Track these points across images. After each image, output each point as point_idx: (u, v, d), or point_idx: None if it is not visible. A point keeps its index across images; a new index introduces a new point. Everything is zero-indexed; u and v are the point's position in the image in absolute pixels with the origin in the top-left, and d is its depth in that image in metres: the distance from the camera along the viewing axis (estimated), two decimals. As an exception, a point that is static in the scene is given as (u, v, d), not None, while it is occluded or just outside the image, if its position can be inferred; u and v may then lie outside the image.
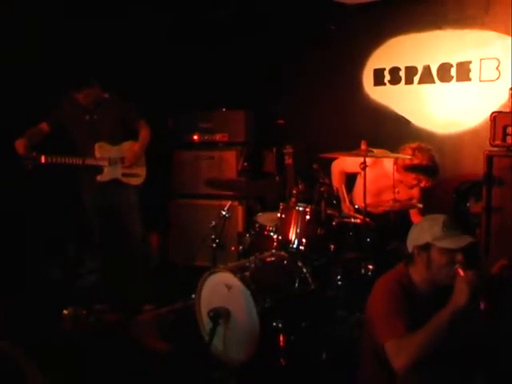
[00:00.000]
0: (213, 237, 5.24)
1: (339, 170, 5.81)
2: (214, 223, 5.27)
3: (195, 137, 7.06)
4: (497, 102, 5.87)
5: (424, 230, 3.21)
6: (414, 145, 5.37)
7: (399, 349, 2.90)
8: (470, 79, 6.10)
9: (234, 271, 4.38)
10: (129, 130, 5.81)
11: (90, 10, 6.14)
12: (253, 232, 5.39)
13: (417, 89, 6.39)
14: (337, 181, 5.78)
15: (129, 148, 5.76)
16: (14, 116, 5.70)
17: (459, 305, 2.84)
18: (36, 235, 6.06)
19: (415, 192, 5.58)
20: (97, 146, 5.63)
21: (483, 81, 6.02)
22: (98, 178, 5.66)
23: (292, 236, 5.00)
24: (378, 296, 3.21)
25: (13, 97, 5.75)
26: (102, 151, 5.65)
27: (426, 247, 3.16)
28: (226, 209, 5.34)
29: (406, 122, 6.51)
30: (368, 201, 4.92)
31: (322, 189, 5.01)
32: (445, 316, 2.86)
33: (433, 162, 5.35)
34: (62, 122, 5.69)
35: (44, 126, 5.64)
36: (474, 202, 5.43)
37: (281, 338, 4.27)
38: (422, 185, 5.41)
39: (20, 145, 5.30)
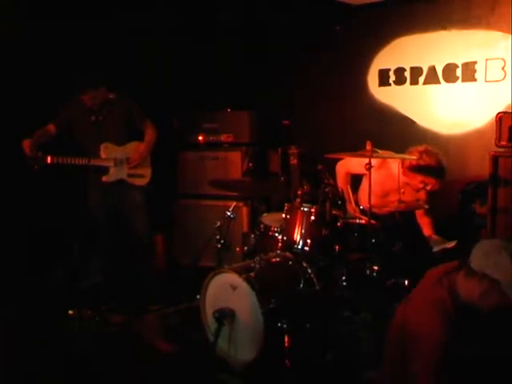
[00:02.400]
0: (218, 237, 5.25)
1: (344, 170, 5.79)
2: (218, 224, 5.28)
3: (200, 137, 7.04)
4: (502, 103, 5.86)
5: (502, 266, 2.92)
6: (421, 148, 5.34)
7: None
8: (475, 80, 6.08)
9: (238, 272, 4.38)
10: (134, 131, 5.83)
11: (95, 11, 6.14)
12: (258, 232, 5.37)
13: (422, 89, 6.38)
14: (342, 182, 5.77)
15: (134, 148, 5.79)
16: (20, 118, 5.70)
17: None
18: (41, 235, 6.05)
19: (421, 194, 5.55)
20: (102, 146, 5.65)
21: (489, 81, 5.99)
22: (104, 178, 5.70)
23: (297, 237, 4.98)
24: (430, 323, 2.99)
25: (20, 99, 5.75)
26: (108, 152, 5.68)
27: (493, 281, 2.92)
28: (230, 209, 5.35)
29: (411, 123, 6.49)
30: (373, 202, 4.91)
31: (327, 189, 5.00)
32: None
33: (440, 165, 5.32)
34: (68, 123, 5.72)
35: (51, 127, 5.67)
36: (480, 203, 5.41)
37: (286, 339, 4.26)
38: (429, 188, 5.38)
39: (27, 145, 5.32)
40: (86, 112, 5.68)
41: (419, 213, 5.71)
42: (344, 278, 4.74)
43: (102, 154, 5.66)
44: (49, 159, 5.38)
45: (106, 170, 5.68)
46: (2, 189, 5.70)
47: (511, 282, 2.88)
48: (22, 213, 5.89)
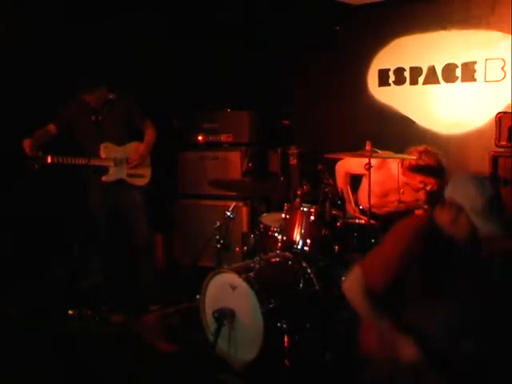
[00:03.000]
0: (217, 237, 5.24)
1: (344, 170, 5.78)
2: (218, 224, 5.27)
3: (200, 137, 7.04)
4: (502, 103, 5.86)
5: (467, 194, 3.18)
6: (420, 148, 5.32)
7: (356, 287, 3.34)
8: (475, 80, 6.06)
9: (238, 272, 4.38)
10: (134, 131, 5.83)
11: (95, 11, 6.15)
12: (257, 232, 5.36)
13: (422, 89, 6.38)
14: (341, 182, 5.76)
15: (134, 149, 5.79)
16: (20, 118, 5.72)
17: (402, 356, 3.14)
18: (40, 235, 6.06)
19: (421, 195, 5.55)
20: (102, 146, 5.65)
21: (488, 81, 5.98)
22: (104, 178, 5.69)
23: (296, 237, 4.98)
24: (391, 234, 3.39)
25: (20, 99, 5.78)
26: (108, 151, 5.67)
27: (460, 208, 3.18)
28: (230, 209, 5.35)
29: (411, 123, 6.49)
30: (373, 202, 4.91)
31: (326, 189, 4.99)
32: (384, 331, 3.25)
33: (440, 165, 5.31)
34: (69, 123, 5.71)
35: (51, 127, 5.67)
36: None
37: (285, 339, 4.26)
38: (428, 188, 5.36)
39: (27, 145, 5.31)
40: (87, 112, 5.67)
41: (419, 213, 5.70)
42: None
43: (102, 154, 5.65)
44: (49, 159, 5.38)
45: (105, 170, 5.68)
46: (1, 188, 5.72)
47: (475, 208, 3.10)
48: (22, 212, 5.89)
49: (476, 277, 3.33)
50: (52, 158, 5.40)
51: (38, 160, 5.34)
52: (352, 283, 3.41)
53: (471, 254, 3.36)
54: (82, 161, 5.56)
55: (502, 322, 3.38)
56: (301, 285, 4.59)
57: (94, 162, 5.61)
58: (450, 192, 3.27)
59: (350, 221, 5.14)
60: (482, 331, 3.26)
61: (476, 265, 3.38)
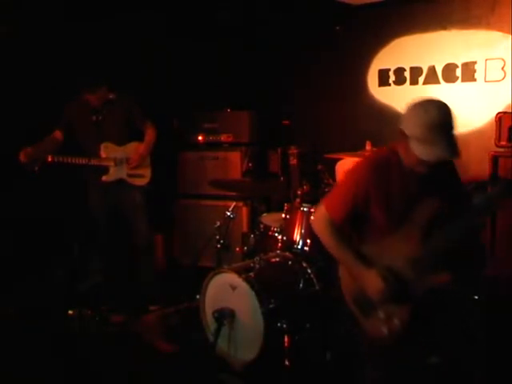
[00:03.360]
0: (217, 237, 5.24)
1: (344, 170, 5.78)
2: (218, 224, 5.27)
3: (200, 137, 7.04)
4: (502, 103, 5.85)
5: (410, 122, 3.20)
6: None
7: (320, 219, 3.48)
8: (475, 80, 6.05)
9: (238, 272, 4.39)
10: (135, 131, 5.82)
11: (95, 11, 6.15)
12: (257, 232, 5.37)
13: (422, 89, 6.36)
14: None
15: (134, 149, 5.77)
16: (20, 118, 5.75)
17: (367, 289, 3.23)
18: (40, 235, 6.06)
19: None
20: (103, 146, 5.64)
21: (488, 81, 5.97)
22: (104, 177, 5.67)
23: (297, 237, 4.98)
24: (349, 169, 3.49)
25: (20, 99, 5.79)
26: (108, 151, 5.66)
27: (406, 136, 3.20)
28: (230, 209, 5.34)
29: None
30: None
31: (326, 189, 4.99)
32: (349, 265, 3.39)
33: None
34: (69, 123, 5.71)
35: (57, 134, 5.69)
36: None
37: (285, 339, 4.28)
38: None
39: (26, 153, 5.32)
40: (87, 112, 5.66)
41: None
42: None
43: (102, 154, 5.64)
44: (49, 158, 5.38)
45: (105, 170, 5.67)
46: (1, 188, 5.72)
47: (416, 135, 3.12)
48: (22, 212, 5.88)
49: (443, 207, 3.30)
50: (52, 158, 5.40)
51: (39, 159, 5.34)
52: (317, 216, 3.55)
53: (438, 182, 3.33)
54: (83, 160, 5.56)
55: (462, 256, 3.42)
56: (301, 285, 4.60)
57: (94, 161, 5.60)
58: (402, 122, 3.26)
59: None
60: (443, 265, 3.25)
61: (444, 193, 3.35)
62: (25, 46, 5.86)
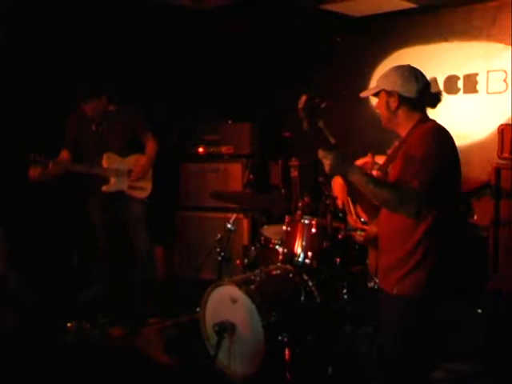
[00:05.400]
0: (218, 250, 5.25)
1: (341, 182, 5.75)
2: (219, 236, 5.29)
3: (201, 149, 7.03)
4: (504, 115, 5.82)
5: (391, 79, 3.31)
6: None
7: None
8: (477, 91, 6.05)
9: (239, 284, 4.37)
10: (137, 143, 5.84)
11: (97, 22, 6.17)
12: (258, 245, 5.37)
13: (423, 101, 6.34)
14: (341, 194, 5.73)
15: (135, 161, 5.80)
16: (21, 126, 5.76)
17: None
18: (39, 246, 6.03)
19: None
20: (105, 156, 5.66)
21: (490, 93, 5.97)
22: (104, 188, 5.68)
23: (298, 249, 4.97)
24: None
25: (20, 107, 5.80)
26: (110, 162, 5.68)
27: None
28: (231, 221, 5.35)
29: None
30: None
31: (327, 202, 4.97)
32: None
33: None
34: (75, 138, 5.74)
35: (64, 154, 5.72)
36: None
37: (286, 352, 4.24)
38: None
39: (31, 175, 5.33)
40: (88, 122, 5.70)
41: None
42: (345, 290, 4.69)
43: (104, 164, 5.65)
44: (50, 165, 5.37)
45: (106, 180, 5.67)
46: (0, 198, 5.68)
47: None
48: (22, 222, 5.87)
49: None
50: (53, 165, 5.40)
51: (40, 163, 5.33)
52: None
53: None
54: (83, 169, 5.57)
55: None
56: (302, 298, 4.58)
57: (95, 170, 5.62)
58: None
59: (352, 233, 5.11)
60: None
61: None
62: (25, 54, 5.86)
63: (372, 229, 3.47)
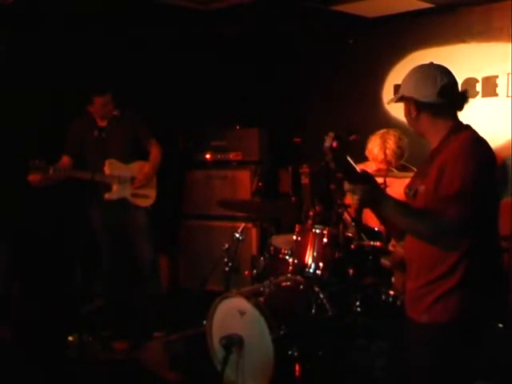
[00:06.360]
0: (226, 260, 5.22)
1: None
2: (227, 246, 5.25)
3: (208, 156, 7.04)
4: (526, 119, 5.72)
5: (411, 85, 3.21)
6: None
7: None
8: (496, 94, 5.96)
9: (247, 296, 4.28)
10: (141, 150, 5.83)
11: (100, 26, 6.18)
12: (267, 255, 5.28)
13: (440, 105, 6.24)
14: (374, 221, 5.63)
15: (139, 168, 5.78)
16: (22, 132, 5.78)
17: None
18: (41, 257, 6.02)
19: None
20: (107, 162, 5.63)
21: (511, 96, 5.87)
22: (106, 195, 5.63)
23: (308, 260, 4.85)
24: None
25: (22, 110, 5.83)
26: (112, 168, 5.64)
27: None
28: (239, 231, 5.32)
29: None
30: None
31: (340, 210, 4.89)
32: None
33: None
34: (76, 141, 5.71)
35: (65, 159, 5.68)
36: None
37: (296, 367, 4.16)
38: None
39: (31, 181, 5.30)
40: (91, 127, 5.68)
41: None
42: (358, 303, 4.62)
43: (107, 170, 5.62)
44: (51, 171, 5.31)
45: (108, 188, 5.63)
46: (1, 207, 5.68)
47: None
48: (23, 233, 5.87)
49: None
50: (54, 170, 5.34)
51: (40, 169, 5.27)
52: None
53: None
54: (85, 175, 5.51)
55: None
56: (313, 310, 4.48)
57: (97, 177, 5.56)
58: None
59: (365, 243, 5.02)
60: None
61: None
62: (26, 59, 5.87)
63: (398, 251, 3.24)
